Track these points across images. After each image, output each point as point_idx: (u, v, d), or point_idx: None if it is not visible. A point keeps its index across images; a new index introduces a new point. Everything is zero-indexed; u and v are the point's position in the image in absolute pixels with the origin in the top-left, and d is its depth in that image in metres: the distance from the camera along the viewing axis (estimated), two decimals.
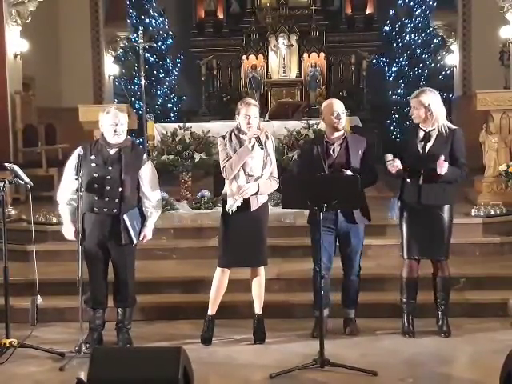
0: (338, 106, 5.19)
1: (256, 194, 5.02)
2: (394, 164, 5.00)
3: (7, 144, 10.13)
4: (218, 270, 5.14)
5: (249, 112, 5.00)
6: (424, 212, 5.07)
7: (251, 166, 5.02)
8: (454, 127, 5.15)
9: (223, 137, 5.15)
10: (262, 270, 5.18)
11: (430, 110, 5.05)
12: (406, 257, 5.19)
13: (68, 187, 4.99)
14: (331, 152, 5.15)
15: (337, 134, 5.18)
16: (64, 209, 5.06)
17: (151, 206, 5.05)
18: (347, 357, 4.77)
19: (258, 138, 4.98)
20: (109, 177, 4.90)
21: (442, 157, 4.92)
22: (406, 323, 5.21)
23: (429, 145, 5.06)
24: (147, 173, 5.04)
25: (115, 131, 4.91)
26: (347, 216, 5.07)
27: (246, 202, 5.01)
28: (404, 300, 5.23)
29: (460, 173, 5.08)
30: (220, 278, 5.13)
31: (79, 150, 4.92)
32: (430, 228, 5.08)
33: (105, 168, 4.91)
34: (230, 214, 5.01)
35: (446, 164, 4.92)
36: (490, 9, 11.44)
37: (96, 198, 4.88)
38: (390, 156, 5.04)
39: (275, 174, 5.15)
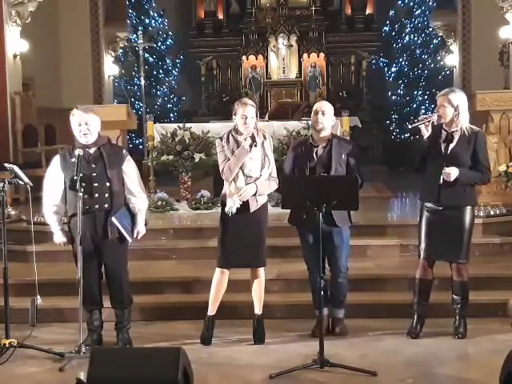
0: (321, 106, 5.15)
1: (255, 194, 5.02)
2: (429, 118, 4.96)
3: (7, 144, 10.13)
4: (218, 270, 5.14)
5: (246, 112, 4.98)
6: (444, 213, 5.01)
7: (250, 167, 5.01)
8: (476, 129, 5.10)
9: (221, 138, 5.14)
10: (261, 270, 5.17)
11: (458, 110, 4.99)
12: (422, 258, 5.12)
13: (52, 196, 4.98)
14: (313, 155, 5.13)
15: (322, 136, 5.14)
16: (51, 218, 5.04)
17: (138, 201, 5.04)
18: (347, 357, 4.76)
19: (252, 137, 4.96)
20: (94, 174, 4.89)
21: (449, 170, 4.90)
22: (414, 324, 5.17)
23: (451, 146, 5.00)
24: (130, 168, 5.04)
25: (80, 131, 4.91)
26: (327, 218, 4.94)
27: (245, 202, 5.00)
28: (415, 300, 5.18)
29: (481, 176, 5.04)
30: (219, 279, 5.13)
31: (78, 151, 4.86)
32: (449, 230, 5.01)
33: (88, 166, 4.90)
34: (230, 216, 5.01)
35: (454, 171, 4.90)
36: (490, 9, 11.45)
37: (85, 197, 4.84)
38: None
39: (274, 174, 5.14)
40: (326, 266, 5.24)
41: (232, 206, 4.97)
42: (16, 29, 10.48)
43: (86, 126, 4.89)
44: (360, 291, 5.64)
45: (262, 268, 5.17)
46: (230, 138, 5.06)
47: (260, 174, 5.04)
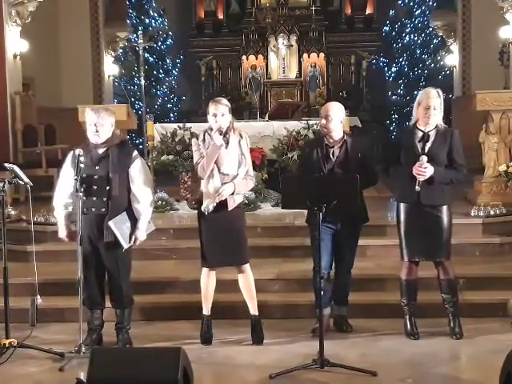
0: (326, 110, 5.15)
1: (232, 193, 5.01)
2: (426, 170, 4.89)
3: (7, 144, 10.12)
4: (204, 270, 5.15)
5: (216, 110, 4.99)
6: (423, 213, 5.03)
7: (226, 166, 5.00)
8: (448, 127, 5.13)
9: (197, 138, 5.16)
10: (247, 269, 5.15)
11: (441, 109, 5.03)
12: (406, 259, 5.14)
13: (64, 191, 4.99)
14: (331, 155, 5.15)
15: (335, 138, 5.16)
16: (60, 212, 5.04)
17: (141, 207, 5.00)
18: (347, 357, 4.77)
19: (219, 131, 4.94)
20: (96, 176, 4.89)
21: (424, 163, 4.88)
22: (408, 325, 5.18)
23: (428, 145, 5.00)
24: (137, 171, 4.98)
25: (91, 131, 4.92)
26: (343, 217, 5.05)
27: (223, 201, 5.00)
28: (405, 302, 5.20)
29: (455, 173, 5.05)
30: (207, 278, 5.14)
31: (78, 151, 4.89)
32: (429, 229, 5.04)
33: (92, 167, 4.91)
34: (206, 215, 5.00)
35: (429, 169, 4.89)
36: (490, 9, 11.45)
37: (85, 198, 4.86)
38: (425, 158, 4.91)
39: (251, 172, 5.14)
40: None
41: (208, 204, 4.97)
42: (16, 29, 10.47)
43: (95, 126, 4.91)
44: (360, 291, 5.64)
45: (248, 266, 5.15)
46: (206, 136, 5.06)
47: (237, 173, 5.04)
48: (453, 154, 5.03)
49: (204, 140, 5.05)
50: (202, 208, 5.01)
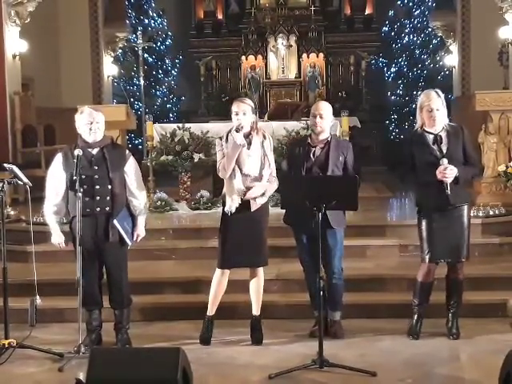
0: (319, 108, 5.13)
1: (262, 195, 5.01)
2: (451, 171, 4.87)
3: (6, 144, 10.13)
4: (218, 271, 5.13)
5: (238, 108, 4.99)
6: (448, 214, 5.00)
7: (248, 166, 4.99)
8: (456, 124, 5.12)
9: (221, 138, 5.15)
10: (261, 271, 5.17)
11: (445, 110, 5.02)
12: (428, 260, 5.08)
13: (53, 196, 4.98)
14: (311, 155, 5.12)
15: (320, 138, 5.13)
16: (50, 218, 5.03)
17: (139, 203, 5.05)
18: (346, 357, 4.76)
19: (237, 129, 4.92)
20: (96, 176, 4.90)
21: (446, 167, 4.89)
22: (414, 324, 5.16)
23: (444, 146, 4.98)
24: (132, 169, 5.04)
25: (90, 129, 4.92)
26: (322, 220, 4.87)
27: (246, 202, 5.00)
28: (416, 303, 5.17)
29: (473, 169, 5.07)
30: (219, 279, 5.12)
31: (78, 151, 4.86)
32: (453, 230, 5.01)
33: (91, 168, 4.91)
34: (229, 215, 5.00)
35: (454, 170, 4.88)
36: (489, 9, 11.47)
37: (87, 199, 4.86)
38: (446, 160, 4.89)
39: (274, 173, 5.14)
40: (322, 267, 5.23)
41: (231, 205, 4.97)
42: (15, 29, 10.48)
43: (96, 124, 4.92)
44: (359, 291, 5.64)
45: (262, 269, 5.16)
46: (229, 137, 5.06)
47: (261, 174, 5.03)
48: (467, 151, 5.03)
49: (227, 140, 5.05)
50: (225, 209, 5.01)
